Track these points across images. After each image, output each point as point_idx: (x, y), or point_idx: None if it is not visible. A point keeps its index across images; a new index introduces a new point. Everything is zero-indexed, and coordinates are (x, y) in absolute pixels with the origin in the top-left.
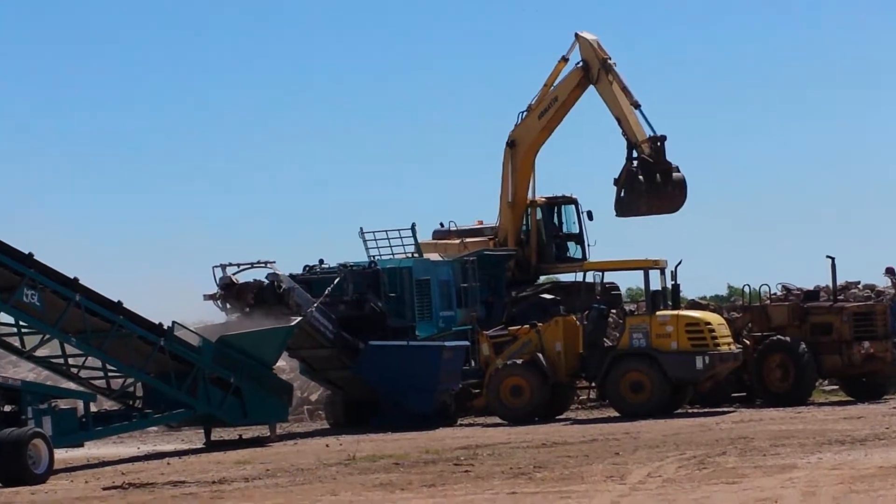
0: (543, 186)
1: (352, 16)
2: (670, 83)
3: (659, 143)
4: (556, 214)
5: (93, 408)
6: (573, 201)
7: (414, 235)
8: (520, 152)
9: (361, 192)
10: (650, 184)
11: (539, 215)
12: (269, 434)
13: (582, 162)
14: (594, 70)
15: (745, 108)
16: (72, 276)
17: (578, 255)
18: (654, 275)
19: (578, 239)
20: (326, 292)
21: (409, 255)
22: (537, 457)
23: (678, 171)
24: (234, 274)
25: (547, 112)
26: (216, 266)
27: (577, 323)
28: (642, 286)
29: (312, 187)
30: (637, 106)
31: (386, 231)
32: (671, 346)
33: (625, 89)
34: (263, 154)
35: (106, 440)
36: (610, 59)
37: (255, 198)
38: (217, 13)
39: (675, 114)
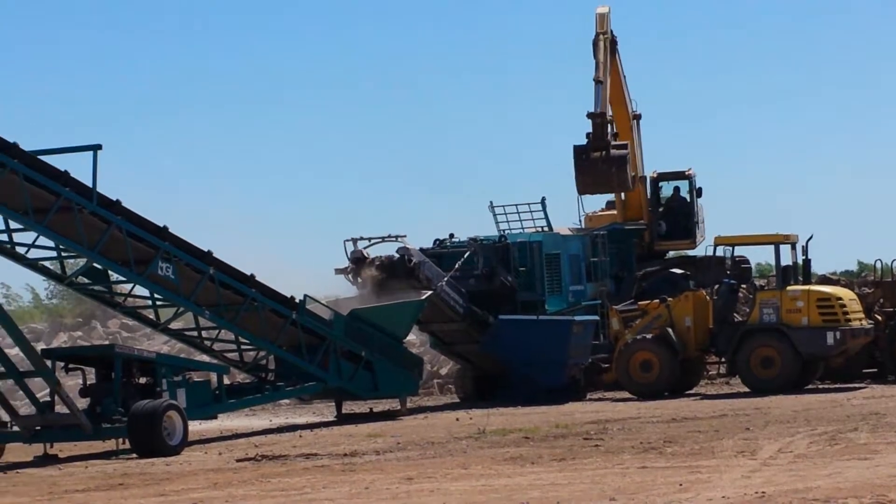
0: (678, 162)
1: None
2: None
3: (598, 120)
4: (673, 191)
5: (226, 380)
6: (686, 177)
7: (544, 209)
8: (616, 127)
9: (493, 165)
10: (583, 161)
11: (648, 191)
12: (399, 407)
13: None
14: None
15: (876, 79)
16: (206, 250)
17: (694, 232)
18: (785, 249)
19: (688, 216)
20: (457, 266)
21: (540, 229)
22: (667, 432)
23: (623, 148)
24: (365, 248)
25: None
26: (347, 240)
27: (707, 298)
28: (773, 261)
29: (443, 160)
30: (598, 82)
31: (516, 205)
32: (802, 322)
33: (596, 65)
34: (394, 127)
35: (238, 412)
36: (603, 32)
37: (386, 171)
38: None
39: (804, 87)
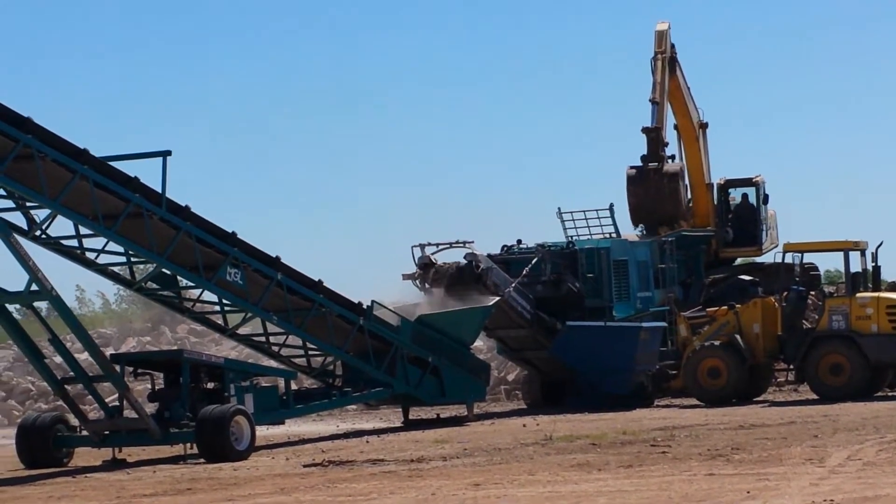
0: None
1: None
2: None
3: (653, 135)
4: (741, 198)
5: (293, 385)
6: (753, 183)
7: (612, 216)
8: (681, 137)
9: (559, 172)
10: (636, 175)
11: (715, 198)
12: (466, 413)
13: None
14: None
15: None
16: (274, 255)
17: (760, 238)
18: (855, 256)
19: (754, 223)
20: (524, 272)
21: (607, 235)
22: (735, 438)
23: (672, 162)
24: (432, 253)
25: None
26: (415, 245)
27: (776, 304)
28: (842, 268)
29: (510, 166)
30: (653, 102)
31: (584, 211)
32: (871, 329)
33: (653, 85)
34: (462, 134)
35: (306, 418)
36: (661, 52)
37: (453, 177)
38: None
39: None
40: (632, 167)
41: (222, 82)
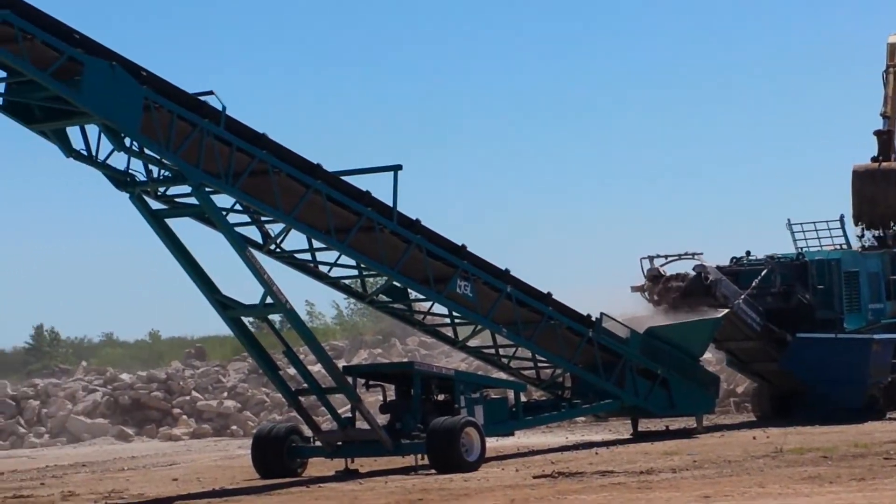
0: None
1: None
2: None
3: (884, 137)
4: None
5: (523, 397)
6: None
7: (842, 227)
8: None
9: (790, 183)
10: (865, 170)
11: None
12: (695, 426)
13: None
14: None
15: None
16: (503, 268)
17: None
18: None
19: None
20: (754, 284)
21: (838, 246)
22: None
23: None
24: (661, 265)
25: None
26: (644, 258)
27: None
28: None
29: (740, 178)
30: (884, 117)
31: (814, 222)
32: None
33: (885, 98)
34: (691, 146)
35: (535, 429)
36: (893, 65)
37: (682, 189)
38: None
39: None
40: (857, 167)
41: (445, 94)
